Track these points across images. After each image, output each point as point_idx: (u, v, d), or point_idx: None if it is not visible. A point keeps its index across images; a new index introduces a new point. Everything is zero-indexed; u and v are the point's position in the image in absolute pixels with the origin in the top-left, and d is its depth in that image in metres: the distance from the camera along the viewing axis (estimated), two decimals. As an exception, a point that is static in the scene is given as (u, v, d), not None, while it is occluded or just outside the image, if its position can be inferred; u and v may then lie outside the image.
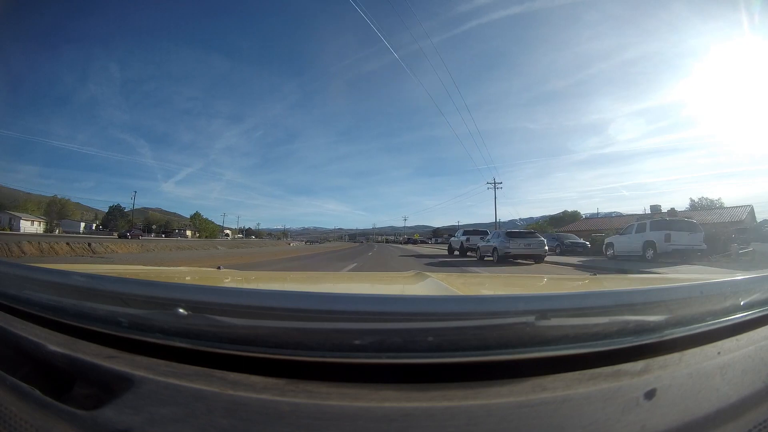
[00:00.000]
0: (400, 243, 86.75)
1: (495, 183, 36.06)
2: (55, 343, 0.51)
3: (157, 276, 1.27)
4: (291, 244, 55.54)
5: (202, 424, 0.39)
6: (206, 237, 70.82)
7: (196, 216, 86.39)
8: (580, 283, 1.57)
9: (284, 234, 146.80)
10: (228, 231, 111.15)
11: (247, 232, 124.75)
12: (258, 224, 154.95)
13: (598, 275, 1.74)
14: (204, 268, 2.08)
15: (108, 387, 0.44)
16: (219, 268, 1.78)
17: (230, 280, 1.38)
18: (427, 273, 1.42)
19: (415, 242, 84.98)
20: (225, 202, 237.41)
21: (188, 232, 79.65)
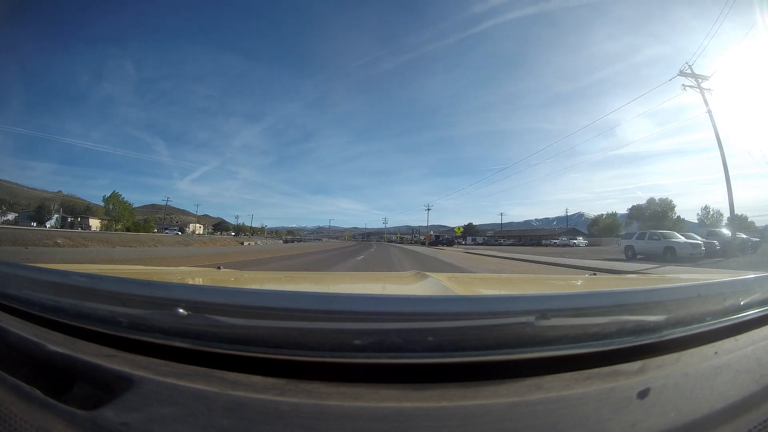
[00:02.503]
0: (422, 244, 61.63)
1: (696, 76, 15.79)
2: (55, 343, 0.51)
3: (157, 276, 1.27)
4: (245, 243, 36.60)
5: (202, 424, 0.39)
6: (128, 230, 44.68)
7: (112, 198, 51.79)
8: (579, 283, 1.57)
9: (239, 229, 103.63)
10: (199, 225, 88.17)
11: (217, 227, 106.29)
12: (237, 217, 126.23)
13: (597, 275, 1.74)
14: (204, 268, 2.08)
15: (108, 387, 0.44)
16: (219, 267, 1.78)
17: (230, 280, 1.39)
18: (428, 273, 1.42)
19: (450, 242, 52.72)
20: (241, 200, 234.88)
21: (94, 222, 53.79)
